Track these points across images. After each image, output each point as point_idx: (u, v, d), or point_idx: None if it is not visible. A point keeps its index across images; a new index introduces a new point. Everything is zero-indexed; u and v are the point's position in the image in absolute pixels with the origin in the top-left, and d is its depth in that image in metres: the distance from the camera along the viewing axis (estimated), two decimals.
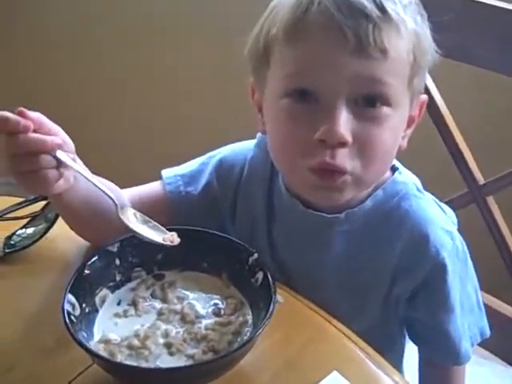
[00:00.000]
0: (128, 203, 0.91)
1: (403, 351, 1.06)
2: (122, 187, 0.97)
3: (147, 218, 0.84)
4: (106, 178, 0.91)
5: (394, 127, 0.82)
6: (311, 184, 0.83)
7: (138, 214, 0.84)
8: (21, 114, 0.76)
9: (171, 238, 0.82)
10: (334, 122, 0.77)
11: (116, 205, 0.81)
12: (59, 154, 0.78)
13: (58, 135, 0.80)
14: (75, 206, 0.89)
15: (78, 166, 0.82)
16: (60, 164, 0.79)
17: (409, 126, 0.88)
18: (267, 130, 0.88)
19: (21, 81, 2.44)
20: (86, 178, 0.81)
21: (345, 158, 0.79)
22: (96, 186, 0.81)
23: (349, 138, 0.78)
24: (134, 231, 0.81)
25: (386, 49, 0.76)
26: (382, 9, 0.76)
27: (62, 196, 0.85)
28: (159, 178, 1.00)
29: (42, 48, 2.37)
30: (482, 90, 1.61)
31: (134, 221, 0.83)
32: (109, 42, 2.25)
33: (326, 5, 0.76)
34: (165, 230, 0.83)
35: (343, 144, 0.78)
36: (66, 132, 0.82)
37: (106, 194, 0.81)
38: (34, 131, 0.77)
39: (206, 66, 2.09)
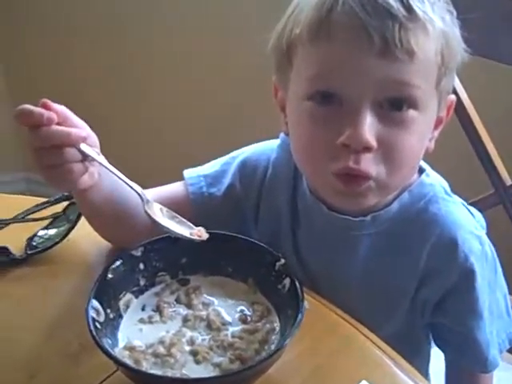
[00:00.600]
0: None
1: (429, 357, 1.05)
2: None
3: (173, 213, 0.83)
4: None
5: (421, 131, 0.80)
6: (334, 189, 0.81)
7: (165, 210, 0.83)
8: (44, 106, 0.76)
9: (199, 233, 0.81)
10: (358, 126, 0.75)
11: (142, 199, 0.81)
12: (84, 147, 0.77)
13: (82, 129, 0.79)
14: (99, 204, 0.88)
15: (103, 159, 0.81)
16: (85, 158, 0.78)
17: (436, 127, 0.86)
18: (290, 132, 0.87)
19: (33, 80, 2.46)
20: (110, 171, 0.80)
21: (369, 163, 0.77)
22: (122, 179, 0.80)
23: (373, 142, 0.76)
24: (162, 225, 0.80)
25: (412, 50, 0.74)
26: (409, 8, 0.74)
27: (87, 193, 0.84)
28: (181, 178, 1.00)
29: (55, 48, 2.39)
30: (509, 89, 1.59)
31: (160, 216, 0.82)
32: (123, 41, 2.26)
33: (350, 4, 0.74)
34: (192, 225, 0.82)
35: (368, 149, 0.76)
36: None
37: (132, 187, 0.81)
38: (59, 124, 0.76)
39: (221, 66, 2.09)
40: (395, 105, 0.77)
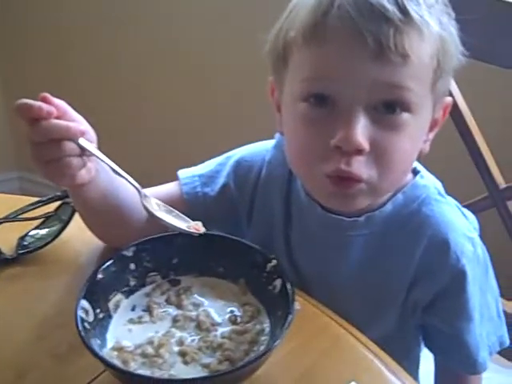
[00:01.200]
0: None
1: (419, 359, 1.05)
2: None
3: (170, 208, 0.83)
4: None
5: (414, 134, 0.80)
6: (326, 190, 0.81)
7: (162, 204, 0.83)
8: (44, 100, 0.76)
9: (197, 227, 0.82)
10: (351, 128, 0.75)
11: (140, 193, 0.81)
12: (82, 141, 0.77)
13: (81, 123, 0.80)
14: (95, 200, 0.88)
15: (101, 154, 0.81)
16: (83, 152, 0.79)
17: (432, 129, 0.87)
18: (284, 133, 0.87)
19: (31, 79, 2.45)
20: (109, 165, 0.81)
21: (361, 166, 0.77)
22: (120, 174, 0.81)
23: (366, 145, 0.76)
24: (159, 218, 0.80)
25: (407, 54, 0.74)
26: (404, 11, 0.73)
27: (83, 189, 0.84)
28: (176, 178, 1.00)
29: (56, 47, 2.40)
30: (504, 92, 1.59)
31: (157, 209, 0.82)
32: (122, 38, 2.26)
33: (346, 8, 0.74)
34: (188, 219, 0.83)
35: (360, 151, 0.76)
36: None
37: (130, 182, 0.81)
38: (57, 118, 0.76)
39: (221, 66, 2.09)
40: (389, 107, 0.77)
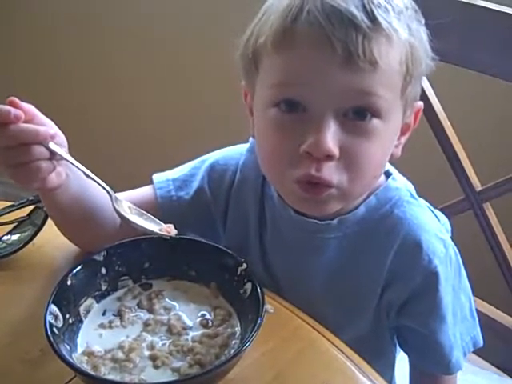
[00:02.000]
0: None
1: (394, 360, 1.06)
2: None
3: (142, 211, 0.84)
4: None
5: (384, 140, 0.81)
6: (297, 195, 0.82)
7: (133, 208, 0.84)
8: (12, 104, 0.76)
9: (168, 229, 0.82)
10: (320, 134, 0.76)
11: (111, 196, 0.81)
12: (52, 145, 0.77)
13: (50, 127, 0.80)
14: (67, 204, 0.88)
15: (71, 157, 0.81)
16: (53, 156, 0.79)
17: (404, 133, 0.87)
18: (256, 137, 0.88)
19: (19, 80, 2.43)
20: (79, 169, 0.81)
21: (331, 172, 0.78)
22: (90, 177, 0.81)
23: (336, 151, 0.76)
24: (131, 221, 0.81)
25: (375, 60, 0.74)
26: (373, 18, 0.74)
27: (54, 193, 0.84)
28: (151, 182, 1.00)
29: (41, 47, 2.37)
30: (480, 95, 1.60)
31: (129, 213, 0.83)
32: (109, 41, 2.25)
33: (315, 14, 0.74)
34: (160, 222, 0.83)
35: (330, 157, 0.77)
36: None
37: (101, 185, 0.81)
38: (26, 122, 0.76)
39: (205, 67, 2.08)
40: (358, 114, 0.77)
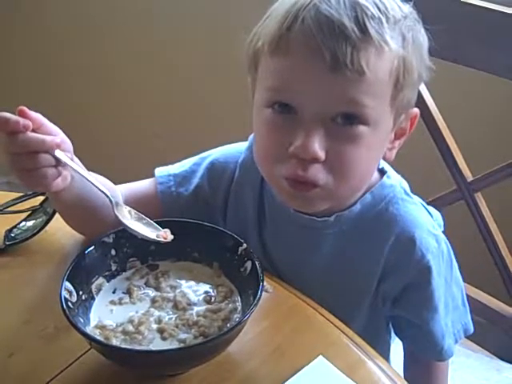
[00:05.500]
0: (122, 200, 0.94)
1: (389, 349, 1.09)
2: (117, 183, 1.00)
3: (141, 215, 0.87)
4: (102, 174, 0.95)
5: (372, 145, 0.83)
6: (285, 191, 0.85)
7: (133, 212, 0.87)
8: (21, 113, 0.79)
9: (165, 235, 0.85)
10: (308, 138, 0.79)
11: (112, 202, 0.84)
12: (58, 153, 0.81)
13: (57, 135, 0.83)
14: (71, 204, 0.91)
15: (76, 164, 0.85)
16: (58, 163, 0.82)
17: (398, 138, 0.90)
18: (254, 134, 0.91)
19: (19, 80, 2.47)
20: (82, 176, 0.84)
21: (317, 172, 0.81)
22: (93, 184, 0.85)
23: (321, 155, 0.79)
24: (130, 228, 0.84)
25: (363, 70, 0.76)
26: (364, 29, 0.76)
27: (60, 194, 0.88)
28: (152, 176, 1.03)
29: (41, 48, 2.39)
30: (471, 89, 1.62)
31: (129, 218, 0.86)
32: (109, 41, 2.27)
33: (308, 23, 0.77)
34: (159, 226, 0.86)
35: (316, 159, 0.80)
36: (65, 128, 0.85)
37: (102, 191, 0.85)
38: (34, 131, 0.80)
39: (205, 64, 2.11)
40: (347, 120, 0.80)
